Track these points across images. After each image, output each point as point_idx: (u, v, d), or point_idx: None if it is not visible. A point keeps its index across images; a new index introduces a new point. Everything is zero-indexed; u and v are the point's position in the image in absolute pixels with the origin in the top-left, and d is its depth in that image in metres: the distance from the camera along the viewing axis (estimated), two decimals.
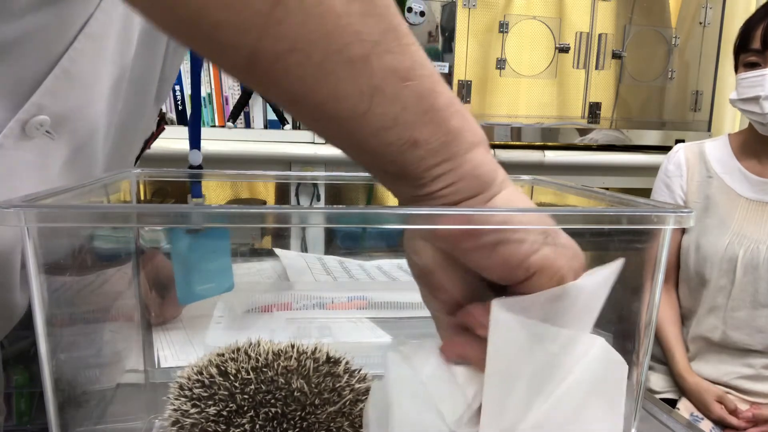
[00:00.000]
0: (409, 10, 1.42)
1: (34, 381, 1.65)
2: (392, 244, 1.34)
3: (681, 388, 1.26)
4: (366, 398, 0.49)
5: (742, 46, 1.19)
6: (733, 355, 1.23)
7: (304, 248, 1.31)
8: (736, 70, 1.22)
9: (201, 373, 0.49)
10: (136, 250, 0.69)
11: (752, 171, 1.24)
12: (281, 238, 1.30)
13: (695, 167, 1.30)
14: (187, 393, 0.48)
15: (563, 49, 1.59)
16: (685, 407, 1.23)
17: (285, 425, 0.46)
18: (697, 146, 1.33)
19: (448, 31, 1.47)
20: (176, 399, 0.49)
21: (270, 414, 0.46)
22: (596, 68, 1.63)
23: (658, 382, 1.30)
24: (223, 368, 0.49)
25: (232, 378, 0.48)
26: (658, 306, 0.42)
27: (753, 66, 1.16)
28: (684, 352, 1.27)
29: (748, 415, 1.17)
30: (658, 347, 1.31)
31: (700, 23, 1.69)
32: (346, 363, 0.52)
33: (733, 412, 1.17)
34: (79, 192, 0.55)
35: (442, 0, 1.46)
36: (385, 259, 1.21)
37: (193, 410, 0.47)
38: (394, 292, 0.88)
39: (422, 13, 1.44)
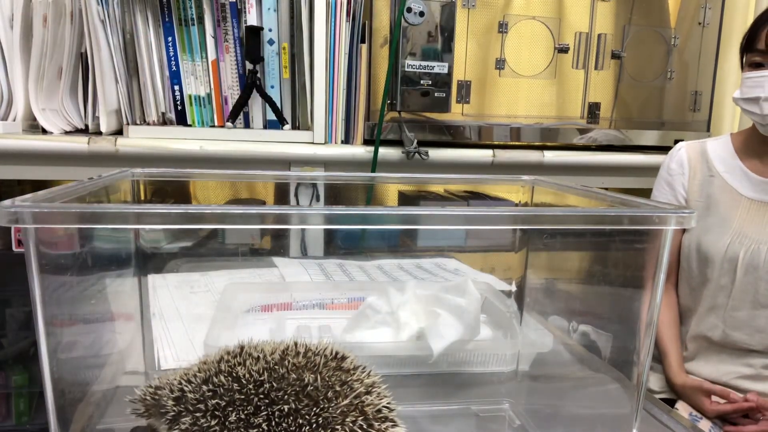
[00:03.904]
0: (409, 10, 1.42)
1: (34, 381, 1.64)
2: (392, 244, 1.34)
3: (674, 392, 1.26)
4: (376, 391, 0.50)
5: (748, 45, 1.19)
6: (733, 355, 1.23)
7: (304, 249, 1.31)
8: (742, 68, 1.21)
9: (209, 382, 0.49)
10: (136, 251, 0.69)
11: (754, 171, 1.24)
12: (281, 238, 1.30)
13: (697, 166, 1.30)
14: (201, 407, 0.48)
15: (563, 50, 1.59)
16: (683, 407, 1.23)
17: (300, 420, 0.46)
18: (699, 145, 1.33)
19: (447, 31, 1.46)
20: (187, 415, 0.48)
21: (284, 411, 0.46)
22: (595, 68, 1.63)
23: (657, 382, 1.30)
24: (234, 374, 0.49)
25: (245, 382, 0.48)
26: (660, 306, 0.42)
27: (758, 66, 1.16)
28: (677, 355, 1.27)
29: (753, 399, 1.15)
30: (657, 348, 1.31)
31: (700, 23, 1.69)
32: (352, 359, 0.52)
33: (727, 397, 1.17)
34: (79, 192, 0.54)
35: (442, 0, 1.45)
36: (386, 259, 1.21)
37: (213, 422, 0.47)
38: (393, 292, 0.88)
39: (422, 13, 1.43)
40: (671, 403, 1.25)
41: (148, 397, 0.51)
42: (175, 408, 0.48)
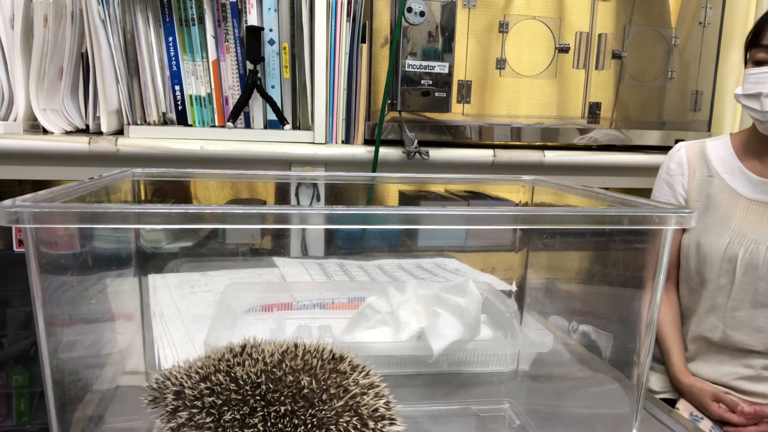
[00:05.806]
0: (409, 10, 1.42)
1: (35, 381, 1.65)
2: (393, 244, 1.34)
3: (677, 391, 1.26)
4: (373, 392, 0.50)
5: (753, 41, 1.18)
6: (733, 355, 1.23)
7: (304, 249, 1.31)
8: (746, 65, 1.21)
9: (207, 380, 0.49)
10: (136, 251, 0.69)
11: (753, 171, 1.24)
12: (281, 238, 1.30)
13: (696, 166, 1.30)
14: (198, 403, 0.48)
15: (563, 49, 1.59)
16: (684, 407, 1.23)
17: (296, 421, 0.47)
18: (698, 145, 1.33)
19: (448, 31, 1.46)
20: (184, 410, 0.48)
21: (280, 412, 0.47)
22: (596, 68, 1.63)
23: (657, 382, 1.30)
24: (232, 374, 0.49)
25: (242, 383, 0.48)
26: (660, 306, 0.42)
27: (762, 63, 1.16)
28: (681, 353, 1.27)
29: (749, 411, 1.16)
30: (657, 347, 1.31)
31: (700, 23, 1.69)
32: (351, 360, 0.52)
33: (733, 409, 1.17)
34: (80, 192, 0.54)
35: (442, 0, 1.45)
36: (386, 259, 1.21)
37: (208, 419, 0.47)
38: (393, 292, 0.88)
39: (422, 13, 1.43)
40: (671, 403, 1.24)
41: (155, 386, 0.52)
42: (174, 402, 0.49)
